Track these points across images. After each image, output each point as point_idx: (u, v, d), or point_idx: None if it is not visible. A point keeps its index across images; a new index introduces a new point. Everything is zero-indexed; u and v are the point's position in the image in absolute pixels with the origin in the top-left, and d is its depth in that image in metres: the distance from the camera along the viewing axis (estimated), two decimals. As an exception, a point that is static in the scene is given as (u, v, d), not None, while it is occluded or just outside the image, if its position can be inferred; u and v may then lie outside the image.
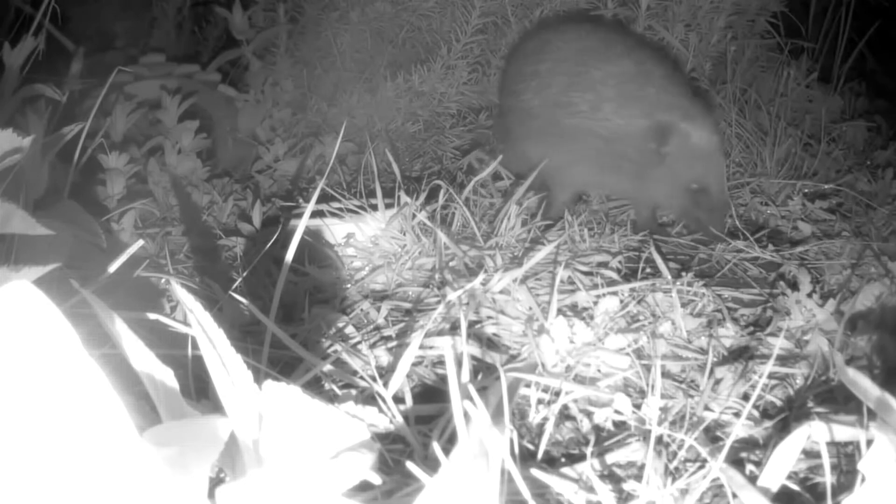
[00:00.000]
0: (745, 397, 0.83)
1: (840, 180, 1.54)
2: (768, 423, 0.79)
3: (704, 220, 1.25)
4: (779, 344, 0.92)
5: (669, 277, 1.07)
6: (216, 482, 0.59)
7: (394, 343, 0.95)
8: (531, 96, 1.35)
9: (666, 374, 0.88)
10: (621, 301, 1.01)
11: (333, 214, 1.26)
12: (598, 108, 1.25)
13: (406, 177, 1.58)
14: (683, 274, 1.11)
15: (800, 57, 1.92)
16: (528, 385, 0.83)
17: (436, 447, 0.59)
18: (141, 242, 0.88)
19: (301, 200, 1.39)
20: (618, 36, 1.42)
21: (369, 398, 0.80)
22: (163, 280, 1.06)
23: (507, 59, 1.58)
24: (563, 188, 1.38)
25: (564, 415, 0.81)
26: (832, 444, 0.73)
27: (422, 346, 0.90)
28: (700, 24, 1.71)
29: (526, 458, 0.74)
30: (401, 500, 0.65)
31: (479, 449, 0.49)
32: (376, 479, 0.61)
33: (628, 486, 0.69)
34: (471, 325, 0.96)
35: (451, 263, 1.15)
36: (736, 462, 0.72)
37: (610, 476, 0.72)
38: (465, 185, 1.37)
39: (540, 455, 0.74)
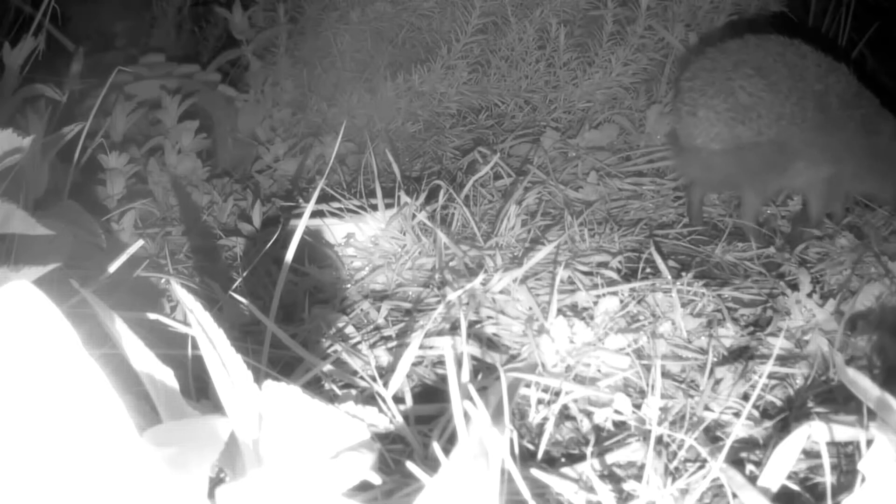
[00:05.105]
0: (745, 397, 0.83)
1: (840, 180, 1.54)
2: (768, 423, 0.79)
3: None
4: (779, 344, 0.92)
5: (669, 277, 1.07)
6: (216, 482, 0.59)
7: (394, 343, 0.95)
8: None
9: (666, 374, 0.88)
10: (621, 301, 1.01)
11: (333, 214, 1.26)
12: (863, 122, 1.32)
13: (406, 177, 1.58)
14: (683, 274, 1.11)
15: (800, 57, 1.91)
16: (528, 385, 0.83)
17: (436, 447, 0.59)
18: (141, 242, 0.88)
19: (301, 200, 1.39)
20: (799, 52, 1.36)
21: (369, 398, 0.80)
22: (163, 280, 1.07)
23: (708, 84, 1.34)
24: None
25: (564, 415, 0.81)
26: (832, 444, 0.73)
27: (422, 346, 0.90)
28: (700, 24, 1.71)
29: (526, 458, 0.74)
30: (401, 500, 0.65)
31: (479, 449, 0.49)
32: (376, 479, 0.61)
33: (628, 486, 0.69)
34: (471, 325, 0.96)
35: (451, 263, 1.15)
36: (736, 462, 0.72)
37: (610, 476, 0.72)
38: (465, 185, 1.37)
39: (540, 455, 0.74)
